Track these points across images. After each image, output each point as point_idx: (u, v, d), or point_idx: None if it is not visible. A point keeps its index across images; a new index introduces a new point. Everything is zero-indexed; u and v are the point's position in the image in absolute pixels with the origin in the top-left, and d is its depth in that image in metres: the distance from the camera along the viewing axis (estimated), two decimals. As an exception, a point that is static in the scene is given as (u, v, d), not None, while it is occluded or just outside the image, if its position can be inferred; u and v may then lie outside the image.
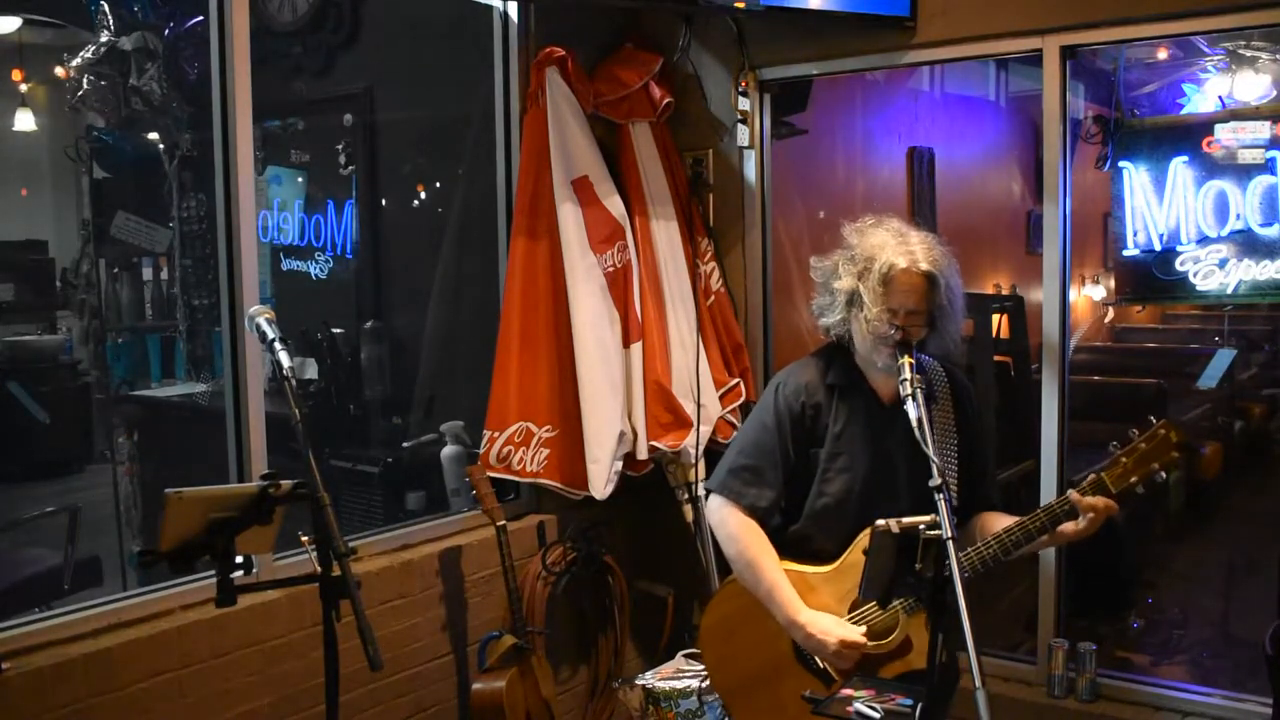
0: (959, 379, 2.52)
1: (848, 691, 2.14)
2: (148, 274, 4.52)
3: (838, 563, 2.39)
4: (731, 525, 2.46)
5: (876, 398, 2.45)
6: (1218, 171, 3.31)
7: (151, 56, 3.90)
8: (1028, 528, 2.25)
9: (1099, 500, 2.20)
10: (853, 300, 2.36)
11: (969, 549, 2.28)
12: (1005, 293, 6.02)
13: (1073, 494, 2.22)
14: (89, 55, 3.85)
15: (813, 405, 2.46)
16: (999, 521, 2.35)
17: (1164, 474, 2.19)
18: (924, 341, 2.38)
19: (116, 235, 4.19)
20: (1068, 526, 2.23)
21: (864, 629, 2.35)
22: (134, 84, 3.87)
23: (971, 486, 2.46)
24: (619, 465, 3.53)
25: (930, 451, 2.02)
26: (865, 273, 2.33)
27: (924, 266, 2.30)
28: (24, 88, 4.50)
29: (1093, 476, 2.22)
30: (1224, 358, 5.69)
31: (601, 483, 3.48)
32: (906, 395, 2.15)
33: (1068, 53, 3.26)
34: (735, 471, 2.49)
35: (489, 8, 3.69)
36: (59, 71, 3.90)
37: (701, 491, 3.72)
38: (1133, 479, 2.19)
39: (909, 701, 2.05)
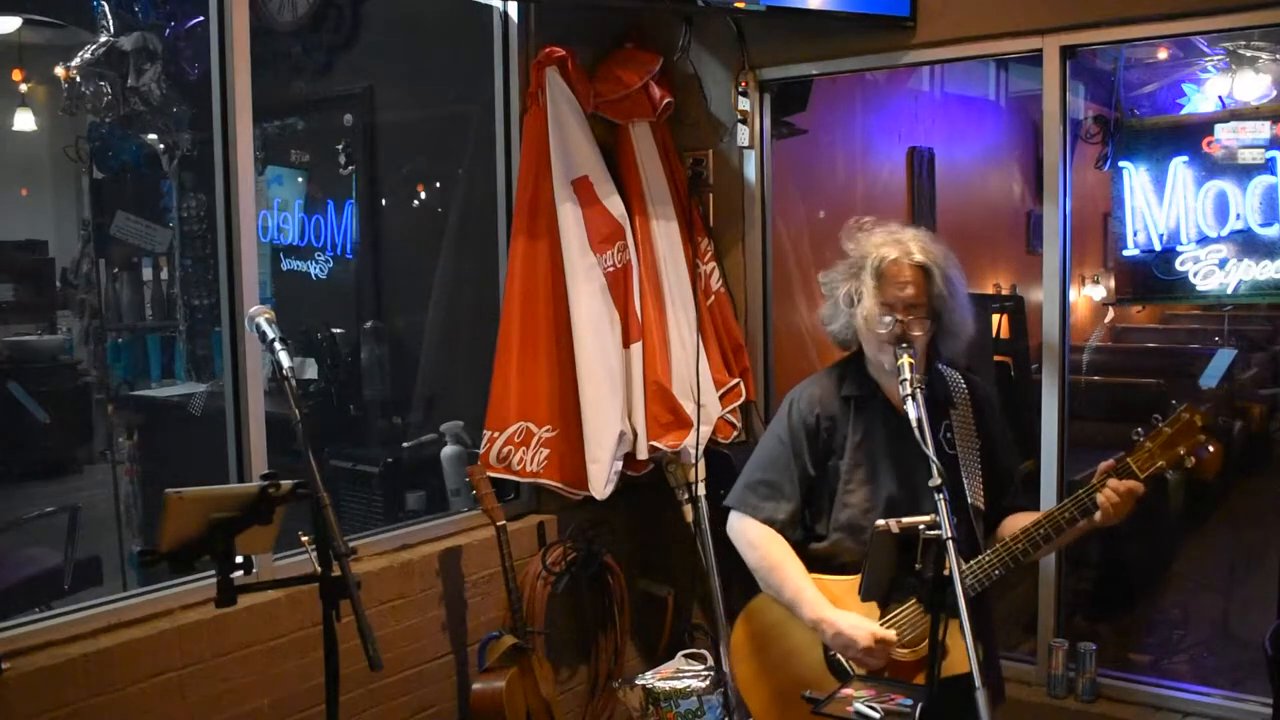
0: (979, 385, 2.51)
1: (848, 691, 2.14)
2: (148, 274, 4.52)
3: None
4: (751, 534, 2.47)
5: (893, 406, 2.43)
6: (1218, 171, 3.31)
7: (151, 57, 3.89)
8: (1057, 520, 2.23)
9: (1121, 485, 2.18)
10: (852, 300, 2.36)
11: (997, 546, 2.26)
12: (1005, 293, 6.02)
13: (1097, 489, 2.20)
14: (87, 56, 3.84)
15: (828, 417, 2.45)
16: (1027, 521, 2.34)
17: (1191, 459, 2.18)
18: (936, 344, 2.38)
19: (116, 235, 4.18)
20: (1095, 516, 2.21)
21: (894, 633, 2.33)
22: (133, 85, 3.87)
23: (999, 493, 2.45)
24: (619, 465, 3.53)
25: (929, 450, 2.02)
26: (859, 271, 2.34)
27: (917, 257, 2.30)
28: (24, 88, 4.49)
29: (1115, 462, 2.21)
30: (1224, 358, 5.68)
31: (601, 483, 3.48)
32: (906, 395, 2.15)
33: (1068, 53, 3.26)
34: (752, 486, 2.50)
35: (489, 7, 3.69)
36: (59, 72, 3.89)
37: (702, 491, 3.73)
38: (1159, 463, 2.18)
39: (909, 701, 2.05)
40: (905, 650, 2.32)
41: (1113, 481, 2.19)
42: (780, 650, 2.49)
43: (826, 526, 2.45)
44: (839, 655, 2.38)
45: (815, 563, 2.44)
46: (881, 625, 2.33)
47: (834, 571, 2.42)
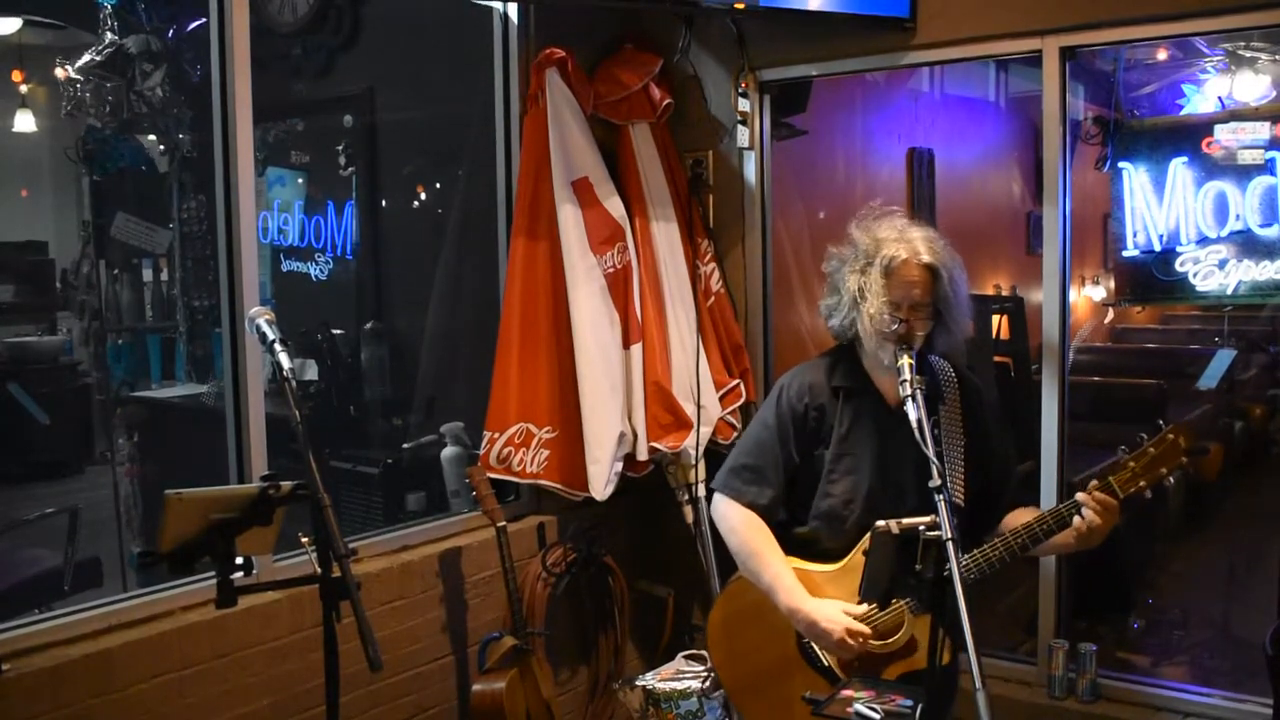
0: (969, 381, 2.51)
1: (848, 692, 2.14)
2: (148, 275, 4.52)
3: (843, 562, 2.39)
4: (733, 518, 2.48)
5: (883, 400, 2.44)
6: (1217, 172, 3.31)
7: (156, 60, 3.90)
8: (1035, 532, 2.25)
9: (1103, 498, 2.20)
10: (858, 297, 2.36)
11: (974, 551, 2.27)
12: (1005, 294, 6.02)
13: (1080, 495, 2.22)
14: (97, 58, 3.84)
15: (816, 407, 2.46)
16: (1026, 518, 2.35)
17: (1171, 479, 2.19)
18: (932, 338, 2.38)
19: (117, 236, 4.19)
20: (1068, 533, 2.23)
21: (869, 625, 2.35)
22: (138, 89, 3.87)
23: (995, 489, 2.46)
24: (619, 466, 3.53)
25: (929, 452, 2.02)
26: (868, 267, 2.34)
27: (925, 258, 2.31)
28: (24, 89, 4.50)
29: (1098, 481, 2.22)
30: (1224, 358, 5.69)
31: (601, 484, 3.48)
32: (906, 396, 2.15)
33: (1067, 53, 3.26)
34: (736, 470, 2.51)
35: (489, 9, 3.70)
36: (59, 73, 3.90)
37: (702, 492, 3.73)
38: (1140, 483, 2.19)
39: (909, 702, 2.05)
40: (877, 643, 2.33)
41: (1097, 494, 2.20)
42: (755, 634, 2.51)
43: (807, 513, 2.46)
44: (812, 644, 2.40)
45: (796, 547, 2.46)
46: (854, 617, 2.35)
47: (813, 558, 2.44)
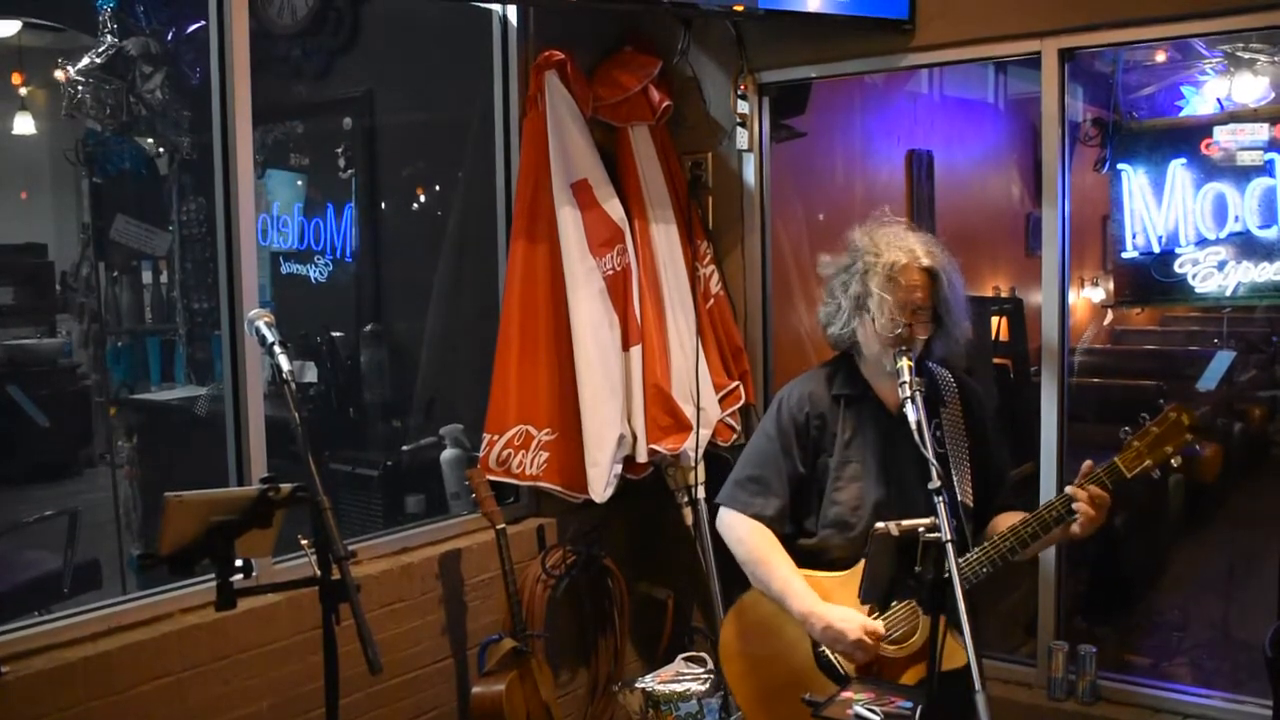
0: (969, 385, 2.53)
1: (847, 694, 2.14)
2: (147, 277, 4.52)
3: (852, 569, 2.39)
4: (739, 529, 2.48)
5: (884, 406, 2.46)
6: (1216, 174, 3.31)
7: (155, 62, 3.90)
8: (1044, 518, 2.26)
9: (1093, 492, 2.21)
10: (859, 304, 2.37)
11: (984, 544, 2.28)
12: (1004, 295, 6.02)
13: (1070, 488, 2.23)
14: (95, 60, 3.84)
15: (817, 415, 2.47)
16: (1014, 520, 2.36)
17: (1177, 458, 2.19)
18: (931, 343, 2.39)
19: (116, 239, 4.19)
20: (1074, 527, 2.24)
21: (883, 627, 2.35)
22: (137, 91, 3.87)
23: (990, 493, 2.47)
24: (618, 468, 3.53)
25: (929, 454, 2.03)
26: (869, 273, 2.36)
27: (925, 262, 2.34)
28: (23, 91, 4.50)
29: (1107, 462, 2.23)
30: (1223, 360, 5.68)
31: (601, 486, 3.48)
32: (906, 398, 2.16)
33: (1066, 55, 3.26)
34: (741, 483, 2.52)
35: (488, 11, 3.70)
36: (58, 76, 3.90)
37: (702, 494, 3.73)
38: (1146, 462, 2.20)
39: (909, 704, 2.05)
40: (893, 647, 2.33)
41: (1091, 488, 2.22)
42: (769, 647, 2.50)
43: (815, 523, 2.47)
44: (828, 651, 2.40)
45: (804, 558, 2.46)
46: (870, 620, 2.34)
47: (823, 567, 2.44)
